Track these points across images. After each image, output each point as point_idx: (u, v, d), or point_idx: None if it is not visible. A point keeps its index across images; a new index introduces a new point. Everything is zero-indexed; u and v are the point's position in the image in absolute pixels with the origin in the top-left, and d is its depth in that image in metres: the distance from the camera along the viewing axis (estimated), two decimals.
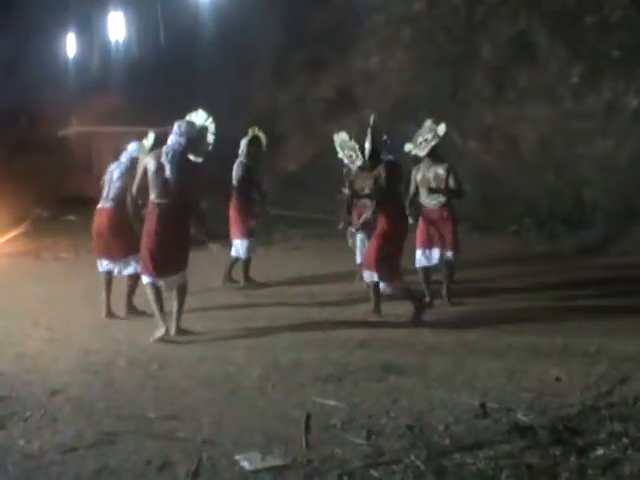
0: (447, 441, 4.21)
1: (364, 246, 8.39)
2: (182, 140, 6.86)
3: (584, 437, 4.20)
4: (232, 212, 9.48)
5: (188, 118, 7.09)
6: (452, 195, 8.09)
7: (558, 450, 4.01)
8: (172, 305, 6.89)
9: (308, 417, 4.36)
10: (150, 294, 6.83)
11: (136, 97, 20.95)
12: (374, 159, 7.41)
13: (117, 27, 23.63)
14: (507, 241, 13.19)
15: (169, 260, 6.79)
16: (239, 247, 9.38)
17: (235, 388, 5.31)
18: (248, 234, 9.39)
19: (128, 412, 4.82)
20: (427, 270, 8.14)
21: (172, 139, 6.89)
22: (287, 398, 5.07)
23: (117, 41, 23.88)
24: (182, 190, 6.76)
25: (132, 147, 7.95)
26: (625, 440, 4.12)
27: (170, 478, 3.85)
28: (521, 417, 4.57)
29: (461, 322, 7.32)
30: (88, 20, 24.17)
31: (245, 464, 3.95)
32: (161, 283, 6.84)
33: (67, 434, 4.45)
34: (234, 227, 9.45)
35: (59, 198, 17.92)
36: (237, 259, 9.50)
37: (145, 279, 6.88)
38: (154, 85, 21.78)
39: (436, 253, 8.07)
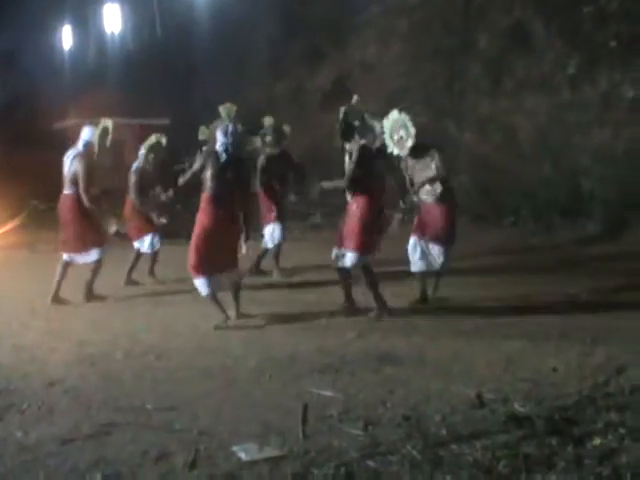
0: (444, 431, 4.21)
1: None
2: (231, 139, 7.02)
3: (581, 427, 4.21)
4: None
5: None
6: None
7: (555, 440, 4.01)
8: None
9: (305, 408, 4.34)
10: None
11: (132, 89, 20.91)
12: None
13: (113, 19, 23.54)
14: (504, 232, 13.18)
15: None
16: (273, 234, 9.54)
17: (232, 379, 5.32)
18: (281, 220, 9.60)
19: (125, 403, 4.83)
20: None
21: (223, 138, 7.04)
22: (284, 389, 5.08)
23: (113, 33, 23.79)
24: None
25: (86, 133, 8.22)
26: (622, 430, 4.12)
27: (167, 469, 3.85)
28: (518, 407, 4.57)
29: (458, 313, 7.33)
30: (84, 12, 24.11)
31: (242, 455, 3.96)
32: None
33: (64, 426, 4.46)
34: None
35: (56, 190, 17.78)
36: (267, 250, 9.66)
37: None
38: (150, 77, 21.75)
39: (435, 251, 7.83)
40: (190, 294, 8.31)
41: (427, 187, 7.70)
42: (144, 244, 9.24)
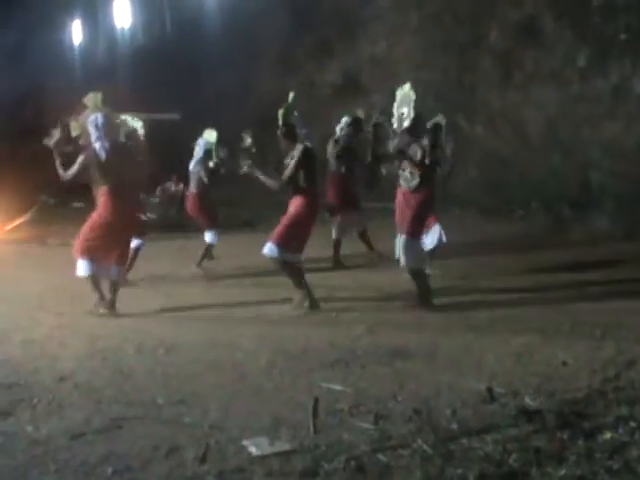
0: (454, 425, 4.22)
1: None
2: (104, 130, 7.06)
3: (591, 421, 4.20)
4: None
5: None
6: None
7: (565, 434, 4.01)
8: None
9: (315, 402, 4.35)
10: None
11: (142, 84, 20.95)
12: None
13: (123, 14, 23.53)
14: (514, 225, 13.15)
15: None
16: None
17: (243, 374, 5.33)
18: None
19: (136, 398, 4.84)
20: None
21: (95, 131, 7.04)
22: (294, 383, 5.08)
23: (123, 28, 23.80)
24: None
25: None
26: (632, 424, 4.12)
27: (177, 463, 3.86)
28: (528, 401, 4.56)
29: (468, 307, 7.31)
30: (94, 7, 24.16)
31: (253, 449, 3.96)
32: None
33: (75, 420, 4.47)
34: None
35: (65, 185, 17.89)
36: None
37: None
38: (160, 72, 21.75)
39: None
40: (200, 289, 8.38)
41: (406, 173, 7.47)
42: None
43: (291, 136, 7.29)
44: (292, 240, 7.21)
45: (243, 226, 13.60)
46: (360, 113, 9.77)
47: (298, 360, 5.61)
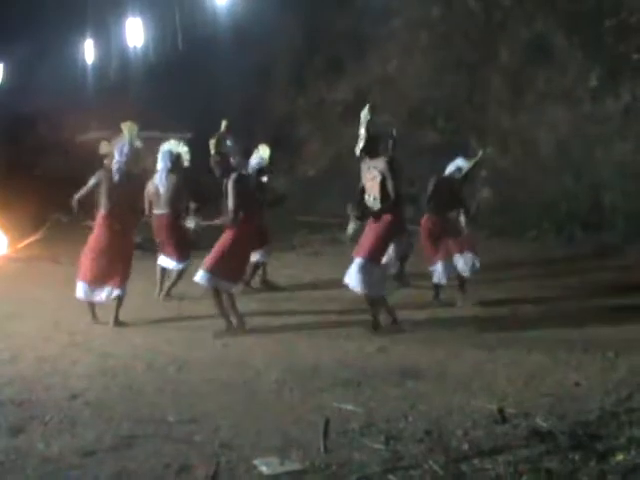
0: (466, 446, 4.21)
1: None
2: (125, 159, 7.45)
3: (603, 442, 4.19)
4: None
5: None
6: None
7: (578, 455, 4.00)
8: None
9: (326, 422, 4.35)
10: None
11: (154, 102, 21.05)
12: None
13: (135, 33, 23.73)
14: (526, 246, 13.16)
15: None
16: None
17: (253, 392, 5.35)
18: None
19: (147, 416, 4.85)
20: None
21: (118, 156, 7.43)
22: (305, 403, 5.09)
23: (135, 47, 23.99)
24: None
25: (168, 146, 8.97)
26: None
27: None
28: (540, 422, 4.56)
29: (479, 327, 7.31)
30: (106, 26, 24.37)
31: (263, 468, 3.96)
32: None
33: (86, 437, 4.48)
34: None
35: (78, 203, 18.04)
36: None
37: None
38: (172, 90, 21.89)
39: None
40: (209, 307, 8.36)
41: (371, 197, 7.13)
42: None
43: (224, 165, 7.27)
44: (221, 265, 7.10)
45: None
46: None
47: (308, 379, 5.62)
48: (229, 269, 7.11)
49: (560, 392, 5.17)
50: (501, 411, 4.68)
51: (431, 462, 3.97)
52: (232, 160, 7.31)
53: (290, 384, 5.49)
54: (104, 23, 24.19)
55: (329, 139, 17.48)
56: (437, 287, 8.52)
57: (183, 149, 9.15)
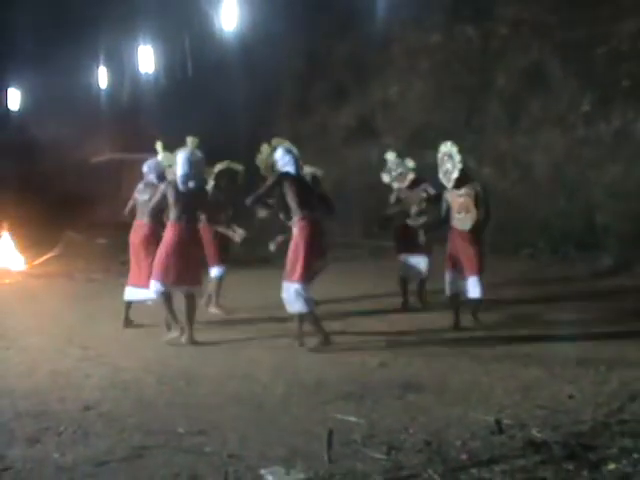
0: (464, 456, 4.29)
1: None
2: (192, 170, 7.63)
3: (596, 452, 4.28)
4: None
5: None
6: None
7: (571, 465, 4.09)
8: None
9: (330, 433, 4.41)
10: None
11: (165, 126, 21.24)
12: None
13: (146, 59, 24.11)
14: (522, 264, 13.29)
15: None
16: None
17: (260, 405, 5.43)
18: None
19: (157, 427, 4.91)
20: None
21: (184, 168, 7.59)
22: (310, 415, 5.17)
23: (147, 73, 24.32)
24: None
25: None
26: (636, 455, 4.21)
27: None
28: (535, 433, 4.64)
29: (478, 342, 7.45)
30: (119, 53, 24.75)
31: (269, 478, 4.04)
32: None
33: (99, 448, 4.55)
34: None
35: (91, 222, 18.34)
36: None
37: None
38: (182, 114, 22.09)
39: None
40: (218, 321, 8.53)
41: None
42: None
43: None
44: (163, 270, 7.43)
45: (260, 262, 13.53)
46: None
47: (313, 392, 5.72)
48: (171, 272, 7.45)
49: (555, 404, 5.27)
50: (498, 422, 4.76)
51: (431, 472, 4.04)
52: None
53: (295, 397, 5.59)
54: (117, 50, 24.56)
55: (332, 163, 17.62)
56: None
57: (238, 167, 9.41)
